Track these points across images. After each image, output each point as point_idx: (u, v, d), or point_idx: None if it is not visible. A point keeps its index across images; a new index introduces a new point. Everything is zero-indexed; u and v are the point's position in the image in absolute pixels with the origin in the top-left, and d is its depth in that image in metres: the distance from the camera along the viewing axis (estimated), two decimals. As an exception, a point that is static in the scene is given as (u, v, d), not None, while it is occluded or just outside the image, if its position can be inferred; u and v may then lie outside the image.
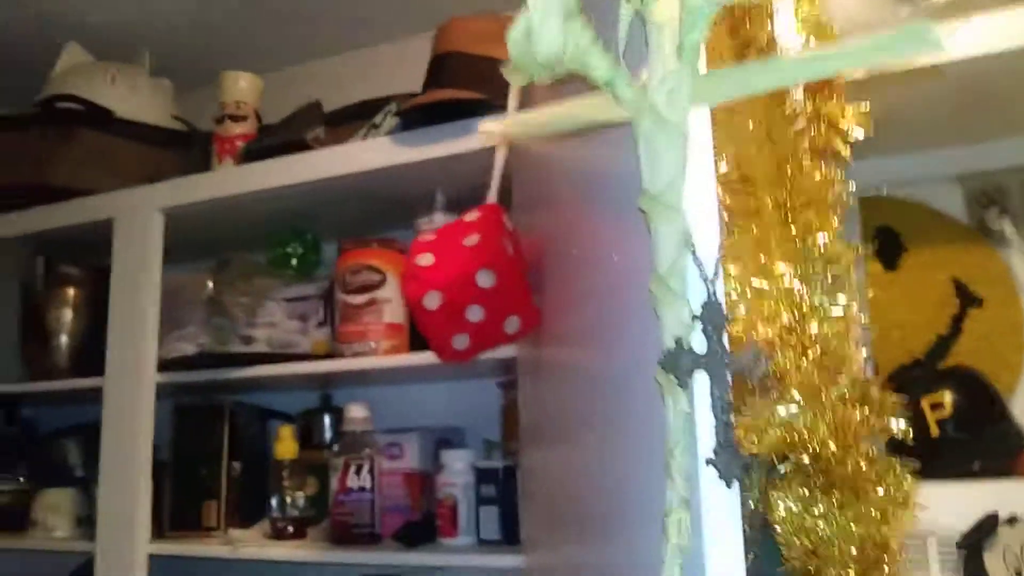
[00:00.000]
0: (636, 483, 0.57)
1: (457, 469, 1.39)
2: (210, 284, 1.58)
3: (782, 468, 0.53)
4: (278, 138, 1.53)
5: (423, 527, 1.41)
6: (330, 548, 1.41)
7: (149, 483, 1.52)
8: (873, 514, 0.53)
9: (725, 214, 0.58)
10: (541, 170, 1.00)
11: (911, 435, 0.67)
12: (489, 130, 0.61)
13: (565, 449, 0.92)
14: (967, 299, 1.44)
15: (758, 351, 0.47)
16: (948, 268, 1.45)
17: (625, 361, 0.64)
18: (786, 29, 0.60)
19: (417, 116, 1.38)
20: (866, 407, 0.57)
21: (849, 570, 0.52)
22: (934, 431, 1.21)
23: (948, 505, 1.09)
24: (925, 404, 1.20)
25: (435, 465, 1.45)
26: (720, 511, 0.47)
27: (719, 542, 0.47)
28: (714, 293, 0.50)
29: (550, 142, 0.92)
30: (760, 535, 0.54)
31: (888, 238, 1.48)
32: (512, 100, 1.00)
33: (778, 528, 0.53)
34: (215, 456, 1.62)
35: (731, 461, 0.47)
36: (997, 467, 1.16)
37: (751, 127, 0.58)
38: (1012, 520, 1.04)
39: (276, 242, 1.63)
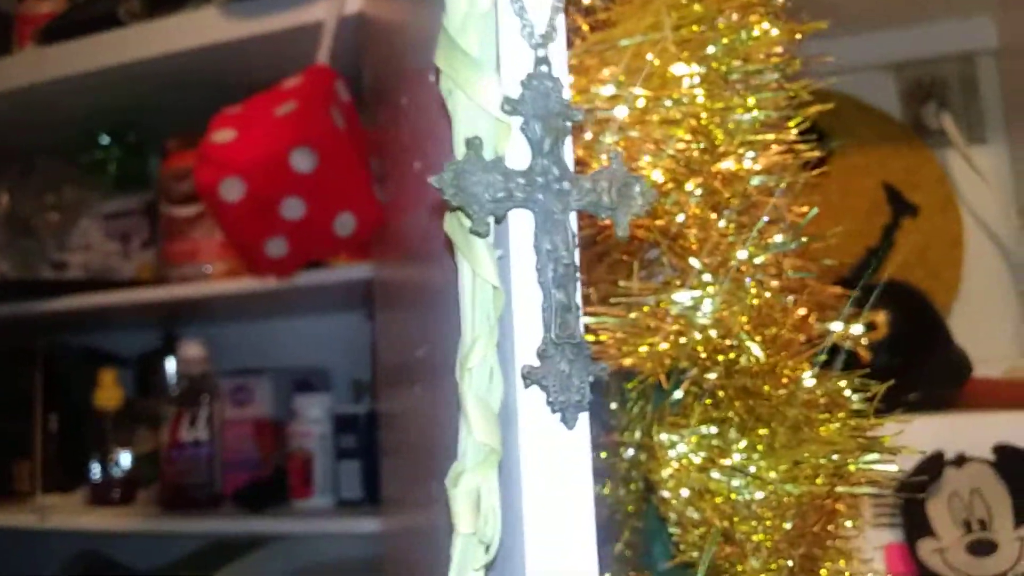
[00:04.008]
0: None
1: (312, 417, 1.17)
2: (7, 197, 1.28)
3: (676, 393, 0.31)
4: (85, 12, 1.24)
5: (271, 487, 1.18)
6: (158, 515, 1.17)
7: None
8: (822, 464, 0.32)
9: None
10: (392, 41, 0.76)
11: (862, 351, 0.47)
12: None
13: (421, 389, 0.70)
14: (901, 207, 1.26)
15: (629, 174, 0.24)
16: (879, 171, 1.27)
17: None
18: None
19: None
20: (803, 293, 0.36)
21: (782, 560, 0.31)
22: (865, 356, 1.02)
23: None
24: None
25: (290, 410, 1.22)
26: (552, 470, 0.24)
27: (554, 526, 0.24)
28: (548, 64, 0.26)
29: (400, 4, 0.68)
30: (635, 506, 0.32)
31: (811, 135, 1.28)
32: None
33: (666, 493, 0.31)
34: (25, 407, 1.34)
35: (574, 373, 0.25)
36: (939, 399, 0.98)
37: None
38: (960, 460, 0.86)
39: (90, 144, 1.34)
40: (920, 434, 0.91)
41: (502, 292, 0.25)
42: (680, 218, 0.33)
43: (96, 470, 1.26)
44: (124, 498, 1.25)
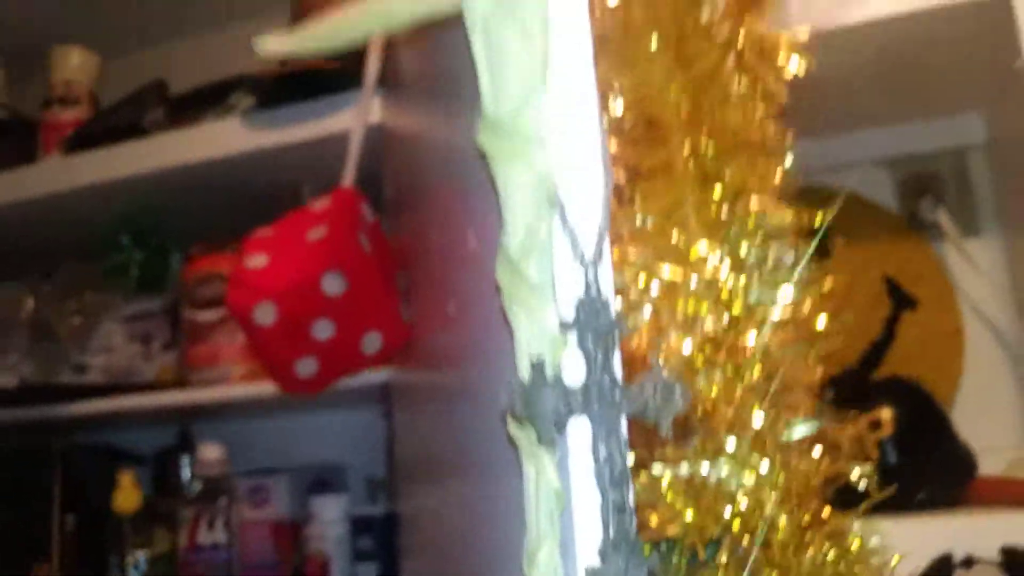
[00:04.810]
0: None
1: (329, 518, 1.18)
2: (31, 301, 1.32)
3: (708, 552, 0.34)
4: (111, 122, 1.29)
5: (289, 588, 1.18)
6: (176, 617, 1.17)
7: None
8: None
9: (619, 171, 0.39)
10: (412, 152, 0.80)
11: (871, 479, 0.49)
12: (270, 47, 0.40)
13: (448, 490, 0.72)
14: (901, 300, 1.29)
15: (670, 379, 0.27)
16: (880, 265, 1.31)
17: (487, 386, 0.44)
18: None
19: (276, 92, 1.17)
20: (825, 453, 0.39)
21: None
22: (873, 455, 1.04)
23: (892, 545, 0.92)
24: (862, 423, 1.04)
25: (307, 512, 1.23)
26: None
27: None
28: (596, 285, 0.30)
29: (420, 117, 0.72)
30: None
31: (815, 232, 1.32)
32: (372, 57, 0.80)
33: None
34: (44, 509, 1.35)
35: (630, 570, 0.27)
36: (946, 497, 1.00)
37: (654, 46, 0.39)
38: (968, 562, 0.87)
39: (112, 248, 1.37)
40: (928, 535, 0.93)
41: (564, 494, 0.28)
42: (711, 392, 0.36)
43: (115, 572, 1.26)
44: (141, 601, 1.25)
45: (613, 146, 0.42)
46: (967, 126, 1.31)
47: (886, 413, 1.07)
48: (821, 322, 0.42)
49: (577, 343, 0.29)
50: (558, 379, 0.28)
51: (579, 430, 0.29)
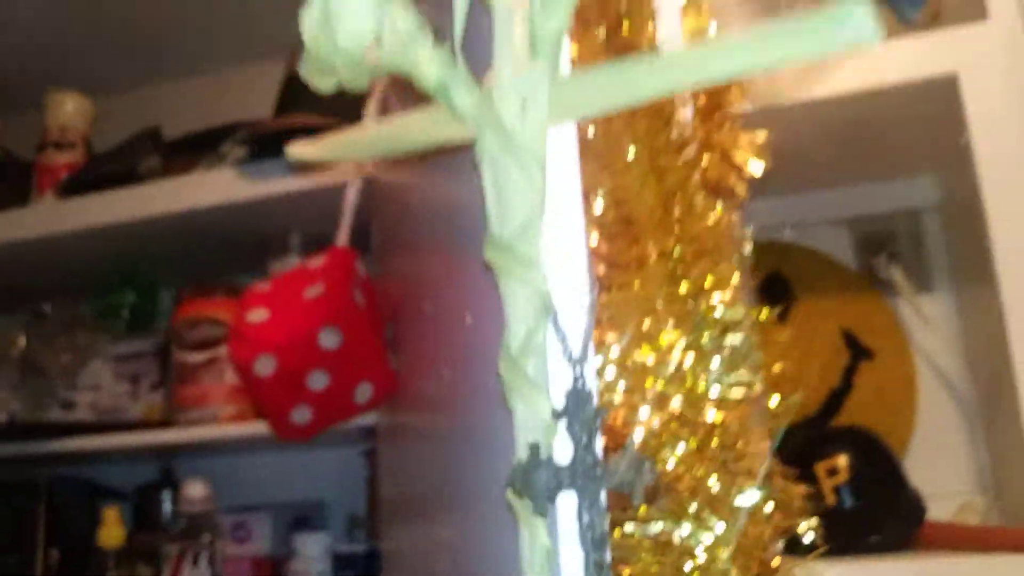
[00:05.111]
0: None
1: (312, 555, 1.21)
2: (23, 339, 1.35)
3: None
4: (105, 168, 1.33)
5: (271, 624, 1.21)
6: (159, 653, 1.20)
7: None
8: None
9: (600, 264, 0.45)
10: (400, 206, 0.86)
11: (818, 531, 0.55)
12: (300, 153, 0.46)
13: (434, 535, 0.77)
14: (858, 351, 1.37)
15: (641, 457, 0.33)
16: (838, 317, 1.39)
17: (482, 461, 0.49)
18: (671, 34, 0.49)
19: (268, 144, 1.22)
20: (775, 512, 0.45)
21: None
22: (830, 500, 1.11)
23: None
24: (820, 470, 1.10)
25: (290, 548, 1.27)
26: None
27: None
28: (583, 380, 0.36)
29: (409, 171, 0.78)
30: None
31: (777, 285, 1.40)
32: (369, 116, 0.86)
33: None
34: (28, 543, 1.37)
35: (609, 621, 0.33)
36: (898, 541, 1.07)
37: (631, 154, 0.45)
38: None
39: (103, 289, 1.41)
40: (883, 577, 1.00)
41: (553, 553, 0.34)
42: (676, 462, 0.42)
43: (96, 607, 1.29)
44: (122, 637, 1.28)
45: (594, 240, 0.48)
46: (921, 189, 1.39)
47: (842, 460, 1.14)
48: (773, 401, 0.48)
49: (566, 428, 0.35)
50: (550, 459, 0.34)
51: (567, 501, 0.35)
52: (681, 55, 0.32)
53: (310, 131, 1.20)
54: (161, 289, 1.48)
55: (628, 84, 0.34)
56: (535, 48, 0.36)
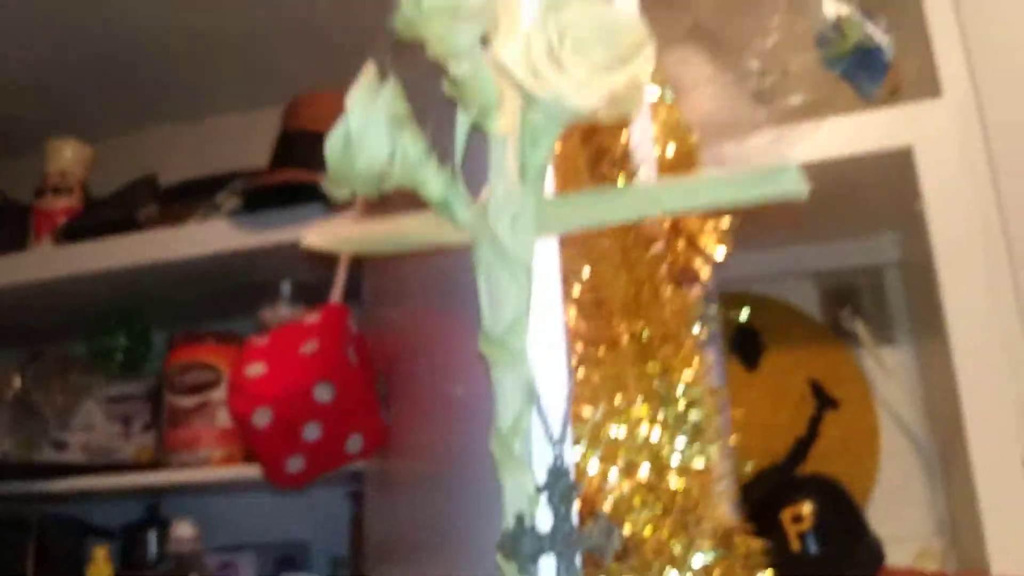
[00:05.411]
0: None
1: (295, 595, 1.25)
2: (18, 380, 1.39)
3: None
4: (104, 215, 1.38)
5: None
6: None
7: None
8: None
9: (578, 342, 0.51)
10: (392, 263, 0.91)
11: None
12: (314, 243, 0.52)
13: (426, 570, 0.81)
14: (824, 401, 1.44)
15: (611, 525, 0.39)
16: (806, 368, 1.45)
17: (468, 512, 0.55)
18: (642, 138, 0.55)
19: (262, 197, 1.28)
20: (735, 567, 0.51)
21: None
22: (795, 546, 1.17)
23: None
24: (786, 516, 1.16)
25: (274, 589, 1.30)
26: None
27: None
28: (561, 459, 0.42)
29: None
30: None
31: (748, 336, 1.47)
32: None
33: None
34: (15, 579, 1.39)
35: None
36: (860, 586, 1.13)
37: (606, 245, 0.52)
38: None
39: (98, 332, 1.46)
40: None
41: (537, 610, 0.40)
42: (643, 524, 0.48)
43: (82, 646, 1.31)
44: (108, 675, 1.30)
45: (572, 319, 0.54)
46: (883, 247, 1.47)
47: (807, 507, 1.19)
48: (729, 469, 0.54)
49: (547, 500, 0.41)
50: (533, 528, 0.40)
51: (548, 563, 0.40)
52: (645, 189, 0.38)
53: (301, 186, 1.26)
54: (154, 332, 1.52)
55: (601, 208, 0.40)
56: (524, 173, 0.42)
